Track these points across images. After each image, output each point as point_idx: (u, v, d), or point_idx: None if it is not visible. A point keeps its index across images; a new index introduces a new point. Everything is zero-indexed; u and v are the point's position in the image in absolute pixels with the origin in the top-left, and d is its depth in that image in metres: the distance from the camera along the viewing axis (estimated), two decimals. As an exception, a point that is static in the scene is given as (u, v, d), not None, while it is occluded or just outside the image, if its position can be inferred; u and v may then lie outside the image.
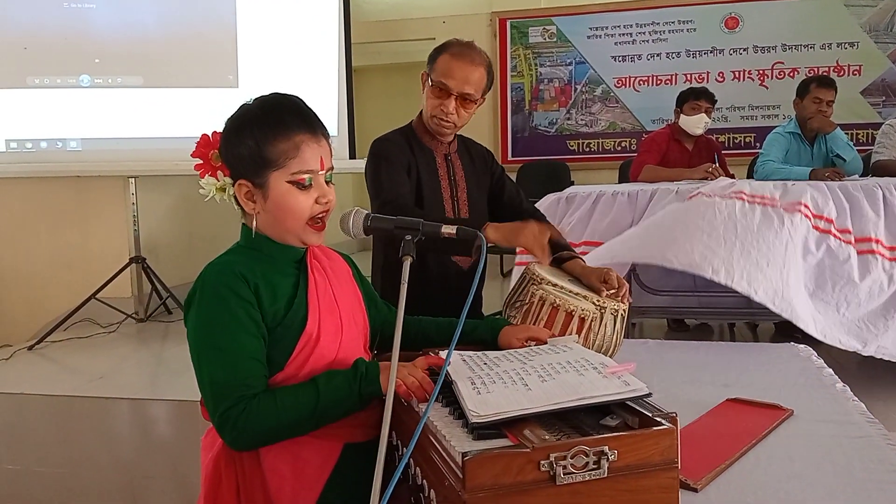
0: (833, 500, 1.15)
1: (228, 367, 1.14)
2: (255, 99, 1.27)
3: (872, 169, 3.70)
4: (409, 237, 1.16)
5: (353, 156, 4.65)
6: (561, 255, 1.98)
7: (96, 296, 4.18)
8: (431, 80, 1.94)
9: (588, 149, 6.49)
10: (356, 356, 1.27)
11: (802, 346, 2.22)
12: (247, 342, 1.16)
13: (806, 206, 2.83)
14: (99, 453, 2.94)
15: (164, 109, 4.30)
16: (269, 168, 1.21)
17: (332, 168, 1.28)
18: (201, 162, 1.29)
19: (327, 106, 4.49)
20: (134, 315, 4.48)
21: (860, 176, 3.55)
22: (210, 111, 4.17)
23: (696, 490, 1.18)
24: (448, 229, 1.19)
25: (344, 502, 1.20)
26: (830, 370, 1.89)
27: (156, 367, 3.83)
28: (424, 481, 1.00)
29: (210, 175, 1.29)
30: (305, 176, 1.22)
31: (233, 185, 1.26)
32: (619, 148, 6.40)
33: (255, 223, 1.26)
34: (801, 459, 1.31)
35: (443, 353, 1.28)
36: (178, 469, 2.89)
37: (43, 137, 4.30)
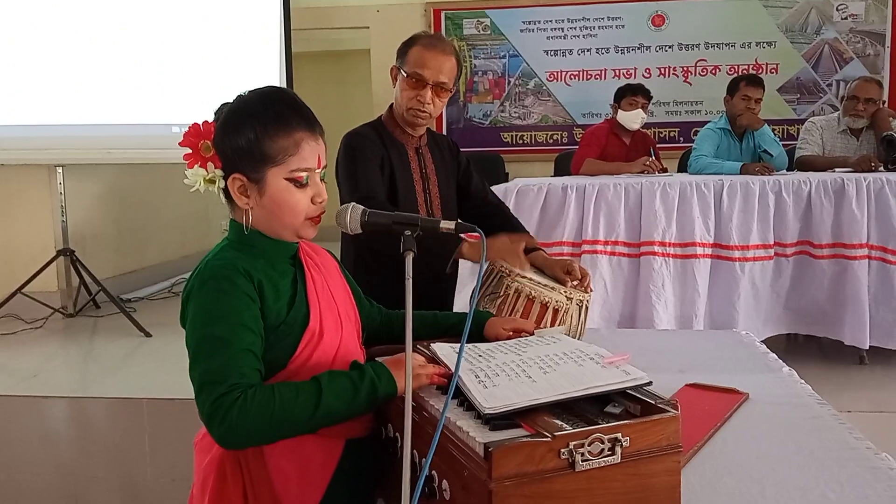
0: (801, 476, 1.23)
1: (224, 356, 1.10)
2: (251, 91, 1.25)
3: (797, 164, 3.92)
4: (408, 232, 1.17)
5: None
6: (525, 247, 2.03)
7: (22, 290, 3.98)
8: (405, 73, 1.97)
9: (521, 141, 6.60)
10: (355, 352, 1.28)
11: (745, 332, 2.34)
12: (246, 336, 1.13)
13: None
14: (38, 455, 2.81)
15: (95, 95, 4.11)
16: (267, 164, 1.19)
17: (326, 166, 1.27)
18: (190, 151, 1.25)
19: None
20: (62, 310, 4.29)
21: (787, 170, 3.76)
22: (144, 96, 4.02)
23: (675, 472, 1.24)
24: (447, 224, 1.21)
25: (348, 498, 1.21)
26: (774, 355, 2.01)
27: (86, 363, 3.69)
28: (434, 472, 1.02)
29: (200, 166, 1.25)
30: (304, 174, 1.21)
31: (224, 179, 1.23)
32: (552, 141, 6.53)
33: (247, 218, 1.23)
34: (765, 440, 1.39)
35: (435, 346, 1.30)
36: (122, 469, 2.81)
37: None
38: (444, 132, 6.62)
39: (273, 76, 4.49)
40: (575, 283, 1.85)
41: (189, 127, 1.24)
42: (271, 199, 1.21)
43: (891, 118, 3.71)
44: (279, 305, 1.20)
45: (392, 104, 2.09)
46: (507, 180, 5.11)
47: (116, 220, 4.94)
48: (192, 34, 4.28)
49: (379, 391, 1.13)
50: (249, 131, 1.19)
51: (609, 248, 3.12)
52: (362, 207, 1.25)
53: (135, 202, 5.07)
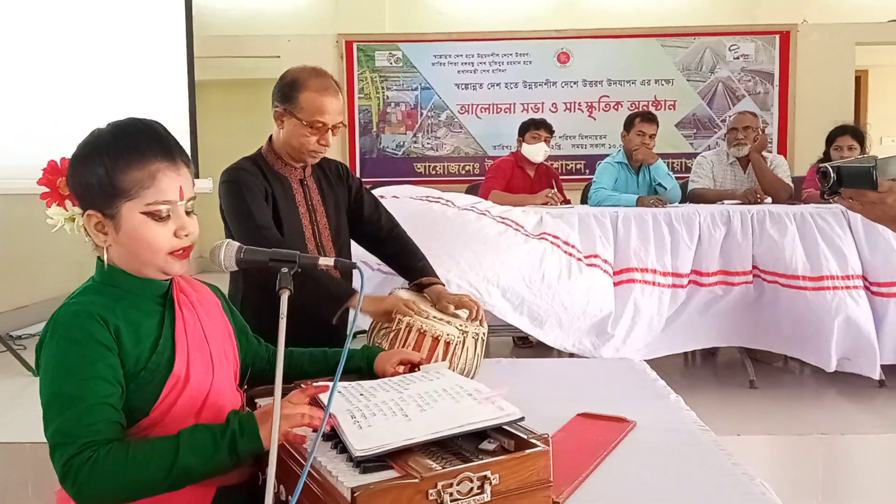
0: (680, 502, 1.27)
1: (76, 413, 1.05)
2: (109, 123, 1.19)
3: (689, 196, 4.11)
4: (285, 270, 1.15)
5: (195, 175, 4.48)
6: (421, 280, 2.05)
7: None
8: (301, 120, 1.93)
9: (434, 171, 6.67)
10: (229, 395, 1.23)
11: (637, 360, 2.42)
12: (100, 388, 1.08)
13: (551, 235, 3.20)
14: None
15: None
16: (120, 198, 1.13)
17: (193, 198, 1.21)
18: (48, 190, 1.20)
19: (174, 122, 4.30)
20: (-62, 349, 4.00)
21: (680, 203, 3.94)
22: (42, 125, 3.84)
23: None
24: (326, 261, 1.19)
25: (219, 549, 1.15)
26: (663, 382, 2.08)
27: (-36, 407, 3.44)
28: (307, 518, 1.00)
29: (58, 204, 1.20)
30: (162, 207, 1.15)
31: (82, 216, 1.18)
32: (464, 172, 6.63)
33: (106, 256, 1.18)
34: (648, 468, 1.43)
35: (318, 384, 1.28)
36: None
37: None
38: (358, 162, 6.63)
39: (180, 105, 4.40)
40: (467, 315, 1.87)
41: (47, 164, 1.18)
42: (128, 234, 1.15)
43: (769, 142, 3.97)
44: (139, 350, 1.15)
45: (271, 136, 2.05)
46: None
47: (6, 252, 4.67)
48: (93, 62, 4.14)
49: (240, 446, 1.07)
50: (98, 165, 1.13)
51: (505, 221, 3.16)
52: (238, 244, 1.22)
53: (27, 234, 4.81)
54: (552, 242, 3.14)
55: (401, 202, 3.16)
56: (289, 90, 1.95)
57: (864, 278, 3.20)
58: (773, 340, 3.29)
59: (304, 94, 1.93)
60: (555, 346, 3.13)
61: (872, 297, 3.19)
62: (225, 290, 1.94)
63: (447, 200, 3.27)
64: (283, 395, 1.10)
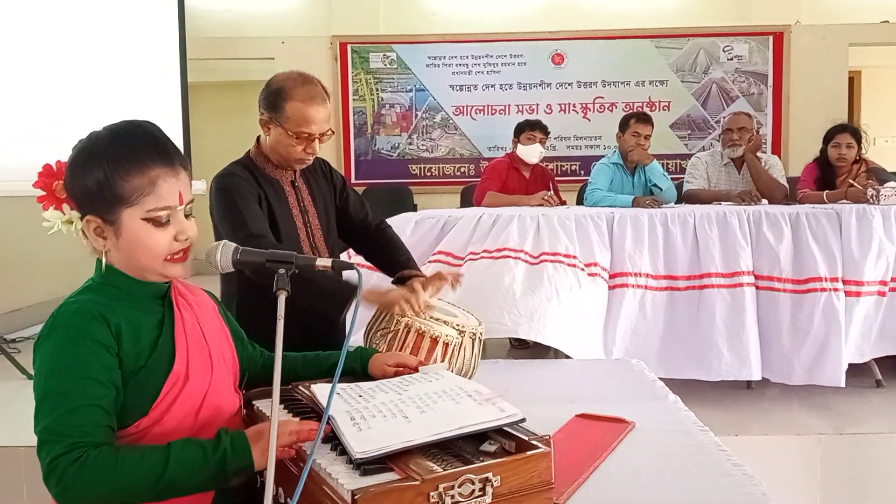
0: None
1: (67, 412, 1.05)
2: (105, 127, 1.18)
3: (684, 197, 4.11)
4: (282, 271, 1.14)
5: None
6: (403, 274, 2.05)
7: None
8: (287, 130, 1.90)
9: (429, 173, 6.67)
10: (227, 396, 1.23)
11: (635, 360, 2.41)
12: (92, 389, 1.07)
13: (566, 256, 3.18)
14: None
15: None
16: (121, 205, 1.13)
17: (192, 201, 1.21)
18: (44, 193, 1.19)
19: (167, 124, 4.29)
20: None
21: (675, 203, 3.93)
22: (32, 129, 3.82)
23: (559, 505, 1.25)
24: (323, 262, 1.19)
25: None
26: (662, 383, 2.08)
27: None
28: (307, 521, 0.99)
29: (55, 208, 1.19)
30: (162, 213, 1.14)
31: (80, 220, 1.17)
32: (459, 173, 6.63)
33: (105, 260, 1.17)
34: (647, 469, 1.43)
35: (315, 387, 1.27)
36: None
37: None
38: (353, 164, 6.62)
39: (173, 106, 4.38)
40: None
41: (42, 167, 1.17)
42: (127, 240, 1.15)
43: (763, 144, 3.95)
44: (139, 349, 1.14)
45: (259, 138, 2.03)
46: (415, 212, 5.12)
47: (-1, 255, 4.64)
48: (86, 64, 4.12)
49: (229, 465, 1.07)
50: (98, 171, 1.13)
51: (503, 253, 3.13)
52: (234, 245, 1.21)
53: (19, 236, 4.78)
54: (552, 261, 3.12)
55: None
56: (274, 99, 1.91)
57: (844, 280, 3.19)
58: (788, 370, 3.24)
59: (290, 103, 1.89)
60: (578, 357, 3.06)
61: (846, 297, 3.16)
62: (217, 293, 1.94)
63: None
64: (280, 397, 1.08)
